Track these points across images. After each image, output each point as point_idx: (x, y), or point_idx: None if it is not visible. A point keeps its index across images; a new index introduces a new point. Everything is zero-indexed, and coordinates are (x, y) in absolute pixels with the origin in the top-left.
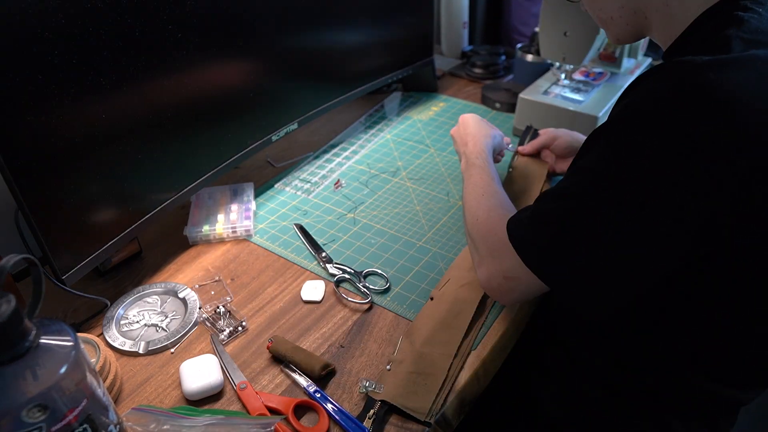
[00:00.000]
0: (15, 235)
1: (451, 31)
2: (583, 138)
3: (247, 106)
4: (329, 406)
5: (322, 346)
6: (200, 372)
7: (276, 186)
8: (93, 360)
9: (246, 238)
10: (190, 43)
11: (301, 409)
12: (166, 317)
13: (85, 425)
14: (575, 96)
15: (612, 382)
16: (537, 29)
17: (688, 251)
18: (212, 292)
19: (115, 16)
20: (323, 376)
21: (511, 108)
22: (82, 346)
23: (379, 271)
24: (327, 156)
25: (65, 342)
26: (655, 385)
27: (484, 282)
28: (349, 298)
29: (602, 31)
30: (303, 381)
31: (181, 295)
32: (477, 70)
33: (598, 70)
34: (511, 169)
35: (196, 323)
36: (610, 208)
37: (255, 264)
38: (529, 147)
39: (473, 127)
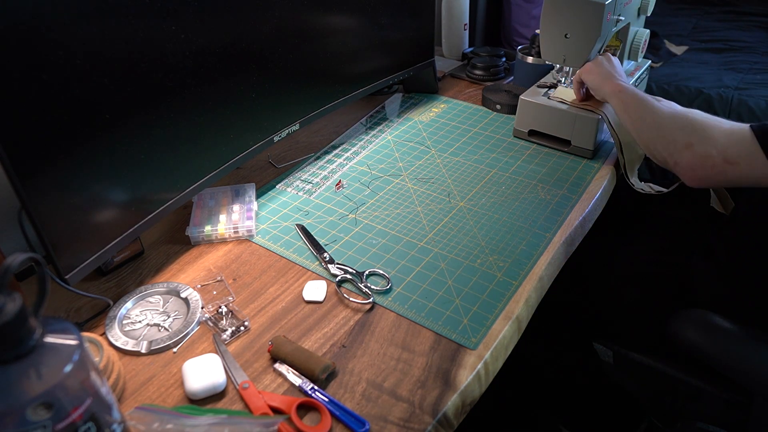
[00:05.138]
0: (18, 234)
1: (452, 33)
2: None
3: (249, 107)
4: (330, 405)
5: (324, 346)
6: (203, 371)
7: (278, 186)
8: (96, 359)
9: (248, 239)
10: (193, 43)
11: (303, 409)
12: (169, 317)
13: (89, 423)
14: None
15: None
16: (537, 31)
17: None
18: (214, 292)
19: (116, 18)
20: (324, 379)
21: (511, 110)
22: (86, 345)
23: (381, 272)
24: (328, 157)
25: (70, 341)
26: None
27: (698, 161)
28: (351, 299)
29: (602, 34)
30: (303, 384)
31: (183, 295)
32: (477, 72)
33: None
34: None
35: (198, 323)
36: None
37: (257, 264)
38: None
39: (619, 65)
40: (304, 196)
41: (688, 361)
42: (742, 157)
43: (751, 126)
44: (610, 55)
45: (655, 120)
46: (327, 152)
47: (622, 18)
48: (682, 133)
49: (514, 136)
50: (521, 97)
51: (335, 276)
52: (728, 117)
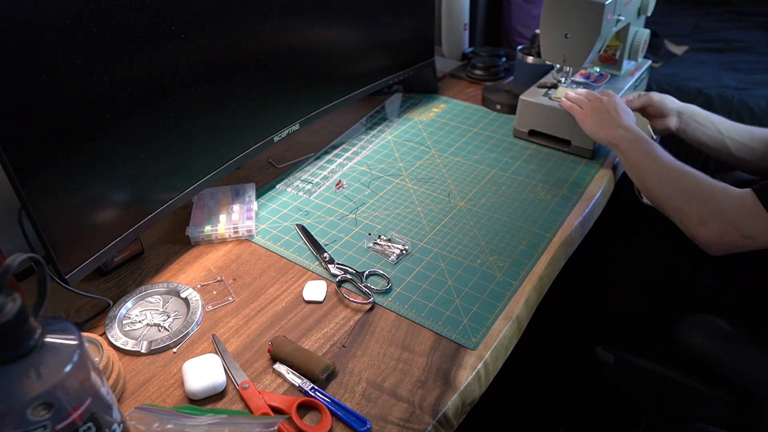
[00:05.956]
0: (18, 234)
1: (452, 33)
2: (671, 101)
3: (249, 107)
4: (331, 405)
5: (324, 346)
6: (203, 371)
7: (277, 186)
8: (96, 359)
9: (248, 239)
10: (193, 43)
11: (303, 408)
12: (169, 317)
13: (89, 424)
14: None
15: None
16: (537, 31)
17: None
18: (214, 292)
19: (115, 18)
20: (324, 379)
21: (511, 110)
22: (86, 345)
23: (381, 272)
24: (328, 157)
25: (70, 341)
26: None
27: (715, 238)
28: (351, 299)
29: (602, 34)
30: (303, 384)
31: (183, 295)
32: (477, 72)
33: (598, 72)
34: None
35: (198, 323)
36: None
37: (257, 264)
38: (635, 105)
39: (620, 104)
40: (304, 196)
41: (692, 365)
42: (758, 231)
43: (753, 190)
44: (610, 92)
45: (662, 186)
46: (327, 152)
47: (622, 18)
48: (693, 207)
49: (514, 136)
50: (521, 97)
51: (335, 276)
52: (729, 117)
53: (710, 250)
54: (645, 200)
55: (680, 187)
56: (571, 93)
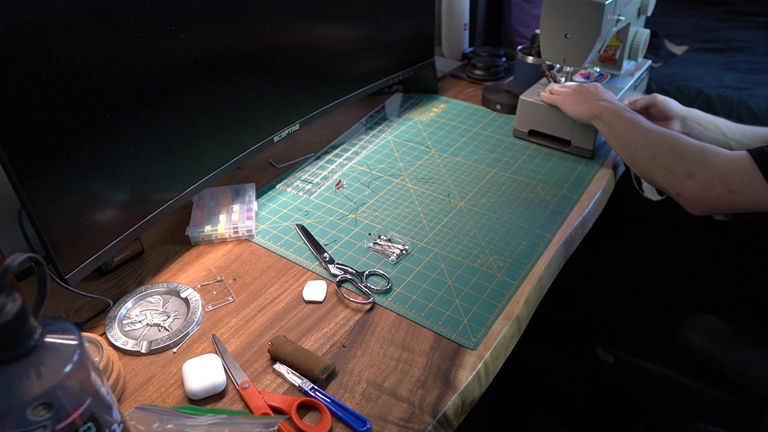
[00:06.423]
0: (18, 234)
1: (452, 33)
2: (676, 105)
3: (249, 107)
4: (331, 405)
5: (324, 346)
6: (203, 371)
7: (277, 186)
8: (96, 359)
9: (248, 239)
10: (193, 43)
11: (303, 408)
12: (169, 317)
13: (89, 424)
14: None
15: None
16: (537, 31)
17: None
18: (214, 292)
19: (116, 18)
20: (324, 379)
21: (511, 110)
22: (86, 345)
23: (381, 272)
24: (328, 157)
25: (70, 341)
26: None
27: (701, 192)
28: (351, 299)
29: (602, 34)
30: (303, 384)
31: (183, 295)
32: (477, 72)
33: (598, 72)
34: None
35: (198, 323)
36: None
37: (257, 264)
38: (639, 106)
39: (602, 87)
40: (304, 196)
41: (692, 365)
42: (746, 185)
43: (749, 152)
44: (586, 82)
45: (647, 147)
46: (327, 152)
47: (622, 18)
48: (681, 162)
49: (514, 136)
50: (521, 97)
51: (335, 276)
52: (729, 117)
53: (693, 207)
54: (646, 194)
55: (668, 144)
56: (556, 87)
